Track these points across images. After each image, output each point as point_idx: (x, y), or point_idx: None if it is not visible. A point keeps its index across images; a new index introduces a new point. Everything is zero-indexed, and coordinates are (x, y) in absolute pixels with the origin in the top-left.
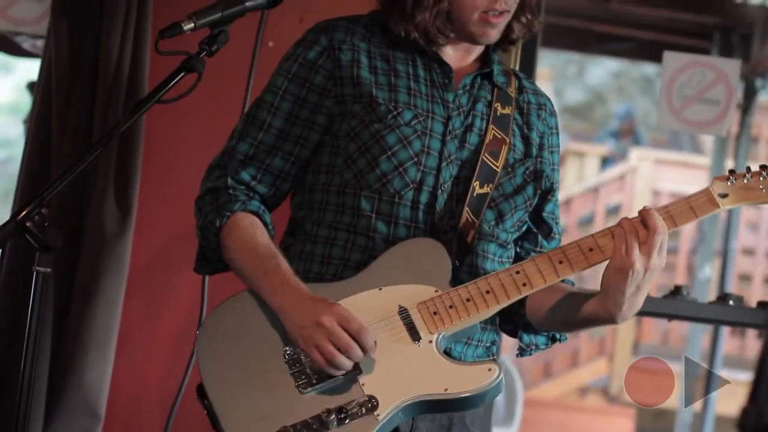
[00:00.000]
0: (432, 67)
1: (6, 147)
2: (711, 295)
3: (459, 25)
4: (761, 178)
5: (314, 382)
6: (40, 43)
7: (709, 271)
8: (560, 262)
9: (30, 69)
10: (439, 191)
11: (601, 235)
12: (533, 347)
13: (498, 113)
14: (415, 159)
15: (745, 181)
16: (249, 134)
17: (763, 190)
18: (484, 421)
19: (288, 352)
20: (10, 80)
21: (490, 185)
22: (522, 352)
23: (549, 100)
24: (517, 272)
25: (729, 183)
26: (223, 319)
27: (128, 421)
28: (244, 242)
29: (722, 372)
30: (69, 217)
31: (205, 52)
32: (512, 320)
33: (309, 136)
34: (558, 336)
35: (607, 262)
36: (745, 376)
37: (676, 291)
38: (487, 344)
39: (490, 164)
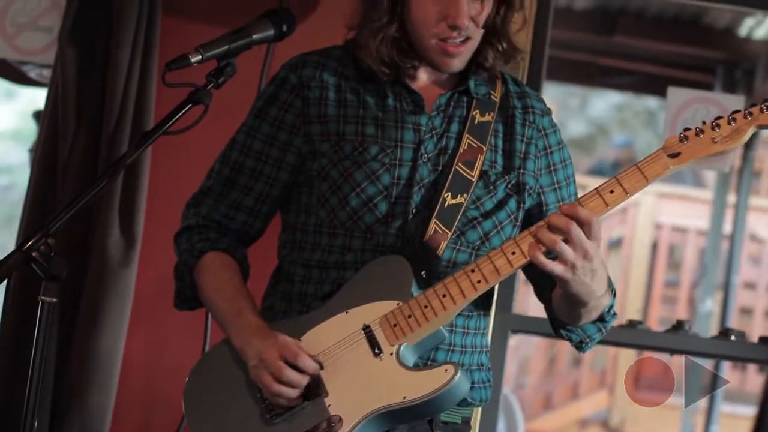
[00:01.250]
0: (402, 95)
1: (8, 173)
2: (712, 328)
3: (420, 53)
4: (714, 130)
5: (283, 411)
6: (46, 72)
7: (711, 304)
8: (513, 253)
9: (33, 95)
10: (410, 216)
11: (554, 218)
12: (588, 339)
13: (476, 121)
14: (385, 193)
15: (698, 137)
16: (222, 173)
17: (715, 141)
18: None
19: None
20: (13, 106)
21: (464, 195)
22: (579, 348)
23: (539, 100)
24: (472, 271)
25: (682, 142)
26: (206, 369)
27: None
28: (212, 286)
29: (723, 406)
30: (74, 246)
31: (212, 85)
32: (555, 326)
33: (278, 176)
34: (605, 317)
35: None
36: (746, 410)
37: (678, 326)
38: (477, 350)
39: (464, 173)
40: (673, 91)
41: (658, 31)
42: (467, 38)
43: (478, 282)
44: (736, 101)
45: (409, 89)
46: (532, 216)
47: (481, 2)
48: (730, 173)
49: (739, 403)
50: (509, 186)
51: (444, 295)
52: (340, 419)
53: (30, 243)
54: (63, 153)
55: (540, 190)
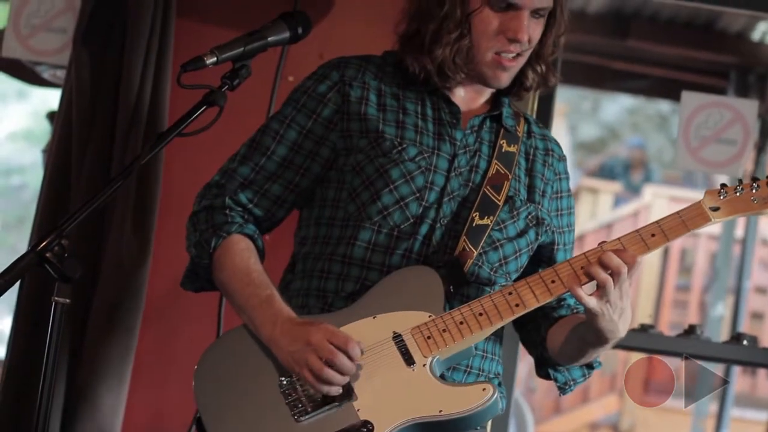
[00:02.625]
0: (440, 106)
1: (20, 173)
2: (723, 333)
3: (473, 65)
4: (752, 190)
5: (309, 410)
6: (60, 73)
7: (722, 309)
8: (552, 282)
9: (46, 95)
10: (438, 225)
11: (593, 254)
12: (572, 382)
13: (503, 150)
14: (417, 194)
15: (737, 194)
16: (251, 159)
17: (755, 202)
18: None
19: (283, 382)
20: (26, 107)
21: (491, 218)
22: (562, 390)
23: (558, 145)
24: (510, 293)
25: (720, 197)
26: (218, 356)
27: None
28: (239, 267)
29: (733, 410)
30: (87, 247)
31: (227, 86)
32: (543, 364)
33: (310, 167)
34: (593, 363)
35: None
36: (757, 415)
37: (690, 330)
38: (491, 375)
39: (492, 197)
40: (687, 96)
41: (671, 35)
42: (518, 54)
43: (516, 306)
44: (749, 106)
45: (449, 101)
46: (542, 252)
47: (537, 22)
48: (741, 177)
49: (750, 408)
50: (530, 217)
51: (480, 314)
52: (373, 426)
53: (44, 244)
54: (76, 154)
55: (553, 230)
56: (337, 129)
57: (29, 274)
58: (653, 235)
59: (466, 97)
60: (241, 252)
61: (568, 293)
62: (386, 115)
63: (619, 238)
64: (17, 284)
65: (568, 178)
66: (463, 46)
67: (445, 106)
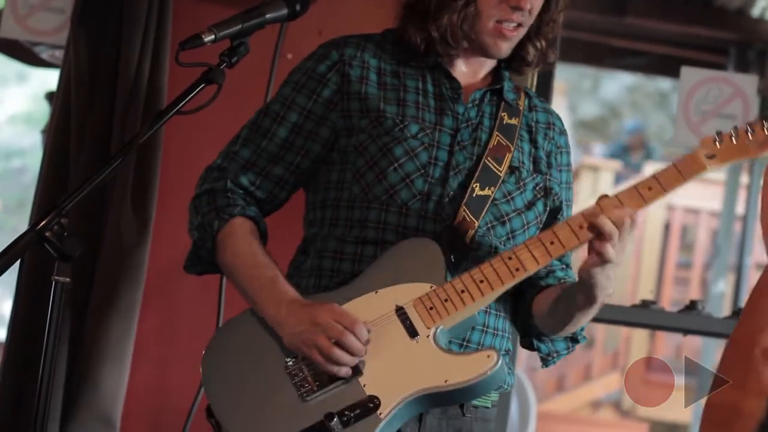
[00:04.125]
0: (441, 81)
1: (21, 156)
2: (725, 309)
3: (474, 34)
4: (748, 134)
5: (316, 389)
6: (58, 53)
7: (723, 285)
8: (551, 243)
9: (45, 78)
10: (446, 200)
11: (590, 212)
12: (555, 354)
13: (504, 122)
14: (422, 171)
15: (733, 140)
16: (253, 141)
17: (751, 146)
18: None
19: (289, 363)
20: (25, 89)
21: (491, 188)
22: (545, 361)
23: (559, 119)
24: (510, 258)
25: (716, 143)
26: (224, 341)
27: (144, 430)
28: (243, 249)
29: None
30: (87, 226)
31: (225, 64)
32: (528, 333)
33: (311, 148)
34: (577, 336)
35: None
36: None
37: (691, 306)
38: (507, 334)
39: (493, 168)
40: (686, 71)
41: (670, 11)
42: (519, 25)
43: (517, 270)
44: (749, 81)
45: (449, 76)
46: (547, 224)
47: None
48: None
49: None
50: (537, 188)
51: (481, 281)
52: (379, 400)
53: (43, 223)
54: (75, 134)
55: (561, 200)
56: (338, 109)
57: (29, 255)
58: (650, 189)
59: (467, 72)
60: (244, 234)
61: (559, 260)
62: (386, 94)
63: (616, 194)
64: (17, 264)
65: (569, 153)
66: (470, 12)
67: (446, 81)
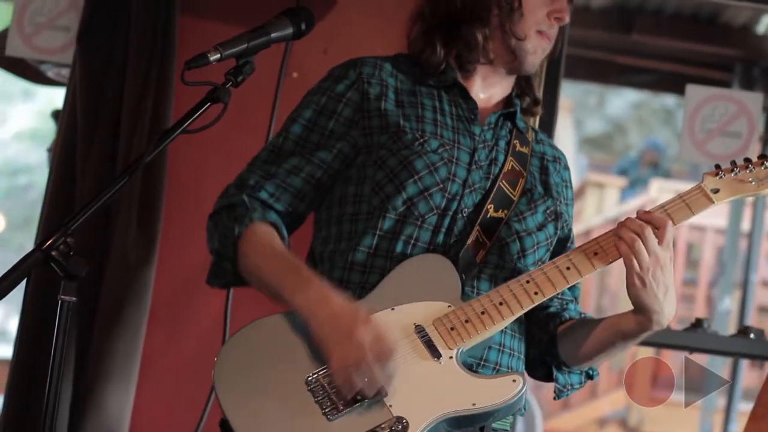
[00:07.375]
0: (458, 102)
1: (27, 173)
2: (731, 327)
3: (513, 39)
4: (748, 171)
5: (341, 408)
6: (64, 71)
7: (729, 303)
8: (567, 269)
9: (51, 95)
10: (459, 216)
11: (604, 239)
12: (569, 387)
13: (516, 149)
14: (441, 185)
15: (734, 174)
16: (272, 161)
17: (752, 183)
18: None
19: (310, 379)
20: (31, 106)
21: (505, 211)
22: (559, 393)
23: (563, 155)
24: (528, 281)
25: (719, 177)
26: (238, 350)
27: None
28: (264, 247)
29: (741, 404)
30: (93, 245)
31: (231, 83)
32: (545, 363)
33: (332, 164)
34: (591, 372)
35: (611, 264)
36: None
37: (697, 324)
38: (520, 355)
39: (507, 191)
40: (691, 89)
41: (675, 29)
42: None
43: (535, 293)
44: (754, 98)
45: (466, 96)
46: (556, 250)
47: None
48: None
49: None
50: (548, 211)
51: (501, 303)
52: (407, 422)
53: (49, 242)
54: (81, 152)
55: (570, 226)
56: (358, 127)
57: (35, 273)
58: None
59: (483, 96)
60: (263, 236)
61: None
62: (405, 110)
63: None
64: (23, 283)
65: (571, 188)
66: (516, 18)
67: (463, 101)
